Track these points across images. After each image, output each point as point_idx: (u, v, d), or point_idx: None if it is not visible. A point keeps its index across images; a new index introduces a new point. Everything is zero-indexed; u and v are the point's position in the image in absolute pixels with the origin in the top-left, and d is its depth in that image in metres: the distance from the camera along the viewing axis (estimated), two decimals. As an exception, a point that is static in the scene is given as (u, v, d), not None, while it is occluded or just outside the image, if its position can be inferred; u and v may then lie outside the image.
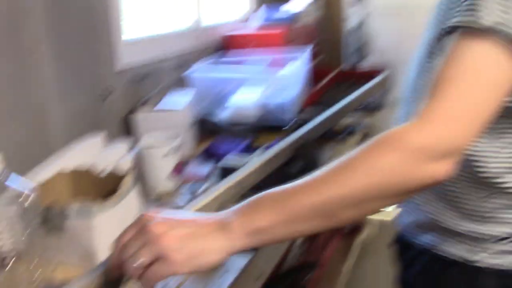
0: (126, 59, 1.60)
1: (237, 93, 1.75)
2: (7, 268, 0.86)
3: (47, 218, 0.95)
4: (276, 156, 1.08)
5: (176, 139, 1.34)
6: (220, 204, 0.89)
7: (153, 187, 1.31)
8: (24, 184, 0.90)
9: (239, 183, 0.95)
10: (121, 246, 0.64)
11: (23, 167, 1.23)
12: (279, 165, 1.13)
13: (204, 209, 0.86)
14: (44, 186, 1.06)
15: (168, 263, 0.60)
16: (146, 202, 1.21)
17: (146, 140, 1.36)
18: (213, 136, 1.74)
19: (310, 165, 1.15)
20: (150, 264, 0.61)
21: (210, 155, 1.50)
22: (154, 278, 0.61)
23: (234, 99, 1.72)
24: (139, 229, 0.63)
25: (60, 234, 0.95)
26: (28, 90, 1.26)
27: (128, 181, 1.01)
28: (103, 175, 1.08)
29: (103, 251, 0.93)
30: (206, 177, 1.36)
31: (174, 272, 0.61)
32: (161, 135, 1.44)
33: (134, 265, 0.61)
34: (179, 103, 1.58)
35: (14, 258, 0.87)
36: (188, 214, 0.68)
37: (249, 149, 1.52)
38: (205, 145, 1.58)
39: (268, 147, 1.47)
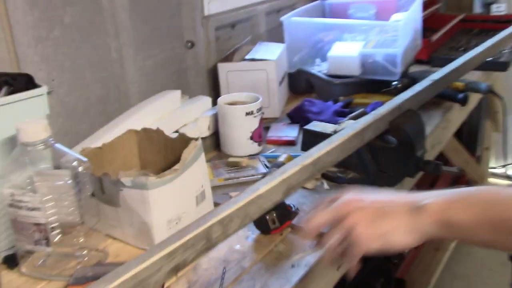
0: (214, 4, 1.45)
1: (338, 43, 1.55)
2: (56, 239, 0.79)
3: (102, 188, 0.86)
4: (370, 125, 0.89)
5: (261, 97, 1.19)
6: (289, 186, 0.74)
7: (231, 150, 1.18)
8: (75, 153, 0.81)
9: (323, 157, 0.78)
10: (313, 221, 0.67)
11: (101, 121, 1.16)
12: (372, 137, 0.94)
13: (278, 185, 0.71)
14: (113, 144, 0.98)
15: (358, 240, 0.62)
16: (222, 167, 1.09)
17: (228, 96, 1.23)
18: (307, 93, 1.56)
19: (409, 140, 0.94)
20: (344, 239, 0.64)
21: (299, 115, 1.33)
22: (350, 255, 0.64)
23: (334, 49, 1.52)
24: (331, 205, 0.66)
25: (116, 206, 0.86)
26: (105, 40, 1.16)
27: (193, 148, 0.88)
28: (172, 137, 0.97)
29: (160, 226, 0.83)
30: (292, 143, 1.21)
31: (364, 248, 0.62)
32: (245, 91, 1.30)
33: (329, 242, 0.65)
34: (271, 53, 1.41)
35: (63, 230, 0.80)
36: (383, 193, 0.68)
37: (343, 112, 1.33)
38: (296, 103, 1.41)
39: (368, 109, 1.27)
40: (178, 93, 1.22)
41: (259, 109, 1.16)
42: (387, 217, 0.63)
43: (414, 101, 1.01)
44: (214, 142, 1.22)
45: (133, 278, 0.54)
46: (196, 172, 0.89)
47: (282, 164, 1.04)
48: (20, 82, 0.82)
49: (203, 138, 1.21)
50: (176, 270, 0.59)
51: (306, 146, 1.11)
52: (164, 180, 0.82)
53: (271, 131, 1.28)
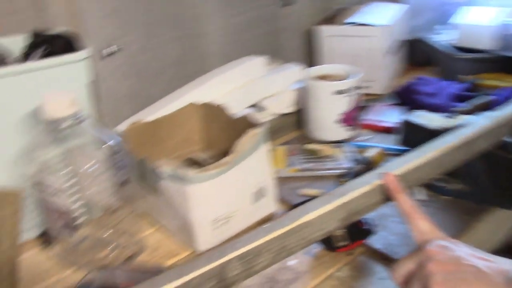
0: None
1: (468, 9, 1.26)
2: (83, 225, 0.69)
3: (143, 173, 0.75)
4: (490, 132, 0.66)
5: (359, 72, 0.98)
6: (350, 212, 0.56)
7: (314, 133, 1.01)
8: (110, 131, 0.70)
9: (409, 174, 0.59)
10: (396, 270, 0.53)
11: (176, 84, 1.04)
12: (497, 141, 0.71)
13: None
14: (173, 117, 0.86)
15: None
16: (298, 154, 0.92)
17: (319, 68, 1.04)
18: (427, 66, 1.31)
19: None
20: None
21: (408, 96, 1.10)
22: None
23: (463, 15, 1.24)
24: (418, 265, 0.50)
25: (156, 195, 0.74)
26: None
27: (251, 138, 0.72)
28: (235, 117, 0.82)
29: (203, 225, 0.70)
30: (392, 130, 0.99)
31: None
32: (346, 61, 1.09)
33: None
34: (382, 17, 1.18)
35: (92, 215, 0.70)
36: (479, 258, 0.48)
37: (464, 97, 1.08)
38: (406, 80, 1.18)
39: (498, 96, 1.02)
40: (263, 59, 1.05)
41: (355, 88, 0.96)
42: (473, 282, 0.45)
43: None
44: (300, 120, 1.04)
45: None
46: (254, 165, 0.74)
47: (368, 162, 0.85)
48: (59, 43, 0.71)
49: (286, 115, 1.04)
50: (171, 316, 0.45)
51: (406, 141, 0.90)
52: (208, 175, 0.68)
53: (370, 112, 1.08)
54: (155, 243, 0.76)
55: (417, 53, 1.32)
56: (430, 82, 1.12)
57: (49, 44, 0.70)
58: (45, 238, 0.75)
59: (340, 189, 0.56)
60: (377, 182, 0.56)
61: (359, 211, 0.56)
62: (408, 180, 0.59)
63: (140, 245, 0.74)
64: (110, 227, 0.73)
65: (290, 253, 0.51)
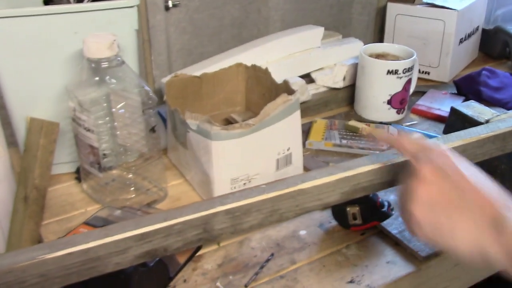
0: None
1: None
2: (109, 165, 0.73)
3: (175, 125, 0.77)
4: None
5: (416, 55, 0.95)
6: (355, 187, 0.55)
7: (361, 111, 0.98)
8: (142, 80, 0.73)
9: (462, 149, 0.57)
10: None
11: (233, 45, 1.06)
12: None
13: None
14: (217, 75, 0.87)
15: (413, 222, 0.47)
16: (338, 130, 0.91)
17: (376, 46, 1.01)
18: (503, 58, 1.23)
19: None
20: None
21: (470, 86, 1.04)
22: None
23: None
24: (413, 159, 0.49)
25: (184, 147, 0.76)
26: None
27: (281, 104, 0.72)
28: (277, 83, 0.82)
29: (222, 182, 0.71)
30: (442, 119, 0.95)
31: (415, 233, 0.48)
32: (414, 42, 1.05)
33: None
34: (461, 1, 1.12)
35: (121, 157, 0.74)
36: (480, 177, 0.49)
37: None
38: (473, 69, 1.11)
39: None
40: (321, 30, 1.03)
41: (408, 69, 0.93)
42: (454, 214, 0.45)
43: None
44: (350, 96, 1.02)
45: (85, 252, 0.44)
46: (281, 132, 0.74)
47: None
48: (113, -11, 0.74)
49: (337, 89, 1.03)
50: (150, 255, 0.47)
51: (449, 129, 0.86)
52: (231, 134, 0.69)
53: (424, 98, 1.03)
54: (177, 194, 0.78)
55: (494, 44, 1.24)
56: (497, 75, 1.05)
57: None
58: (79, 174, 0.80)
59: (348, 163, 0.55)
60: (387, 161, 0.55)
61: (365, 187, 0.55)
62: (385, 176, 0.57)
63: (163, 193, 0.77)
64: (138, 171, 0.76)
65: (281, 217, 0.52)
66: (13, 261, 0.42)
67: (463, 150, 0.58)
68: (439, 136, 0.63)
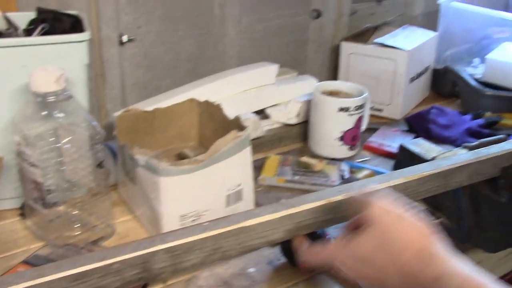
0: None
1: (507, 44, 1.22)
2: (54, 202, 0.71)
3: (124, 160, 0.76)
4: (465, 167, 0.64)
5: (368, 92, 0.97)
6: (298, 225, 0.55)
7: (314, 147, 0.99)
8: (89, 115, 0.72)
9: (404, 187, 0.57)
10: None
11: (188, 80, 1.06)
12: (482, 180, 0.68)
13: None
14: (170, 110, 0.87)
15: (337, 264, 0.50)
16: (290, 165, 0.91)
17: (329, 84, 1.03)
18: (452, 97, 1.27)
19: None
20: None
21: (420, 124, 1.07)
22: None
23: (496, 51, 1.20)
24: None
25: (133, 182, 0.75)
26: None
27: (231, 140, 0.72)
28: (230, 118, 0.82)
29: (171, 219, 0.70)
30: (393, 155, 0.97)
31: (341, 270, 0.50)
32: (366, 80, 1.08)
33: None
34: (410, 41, 1.16)
35: (66, 194, 0.72)
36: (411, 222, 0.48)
37: (480, 133, 1.04)
38: (424, 107, 1.15)
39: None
40: (275, 67, 1.05)
41: (359, 107, 0.95)
42: (370, 269, 0.48)
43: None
44: (304, 132, 1.03)
45: (16, 294, 0.42)
46: (232, 168, 0.74)
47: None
48: (64, 23, 0.73)
49: (291, 125, 1.04)
50: (87, 296, 0.45)
51: (398, 166, 0.88)
52: (180, 170, 0.68)
53: (376, 135, 1.05)
54: (126, 230, 0.76)
55: (444, 83, 1.28)
56: (446, 114, 1.09)
57: (52, 23, 0.72)
58: (23, 210, 0.78)
59: (293, 200, 0.55)
60: (331, 199, 0.55)
61: (309, 225, 0.55)
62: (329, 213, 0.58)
63: (111, 230, 0.75)
64: (85, 207, 0.74)
65: (224, 256, 0.51)
66: None
67: (405, 188, 0.59)
68: (387, 172, 0.64)
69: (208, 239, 0.49)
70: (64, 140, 0.68)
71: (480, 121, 1.08)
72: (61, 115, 0.69)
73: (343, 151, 0.97)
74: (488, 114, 1.13)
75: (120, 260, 0.46)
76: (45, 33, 0.74)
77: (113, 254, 0.46)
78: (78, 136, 0.70)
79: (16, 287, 0.42)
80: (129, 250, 0.46)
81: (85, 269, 0.44)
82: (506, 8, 1.47)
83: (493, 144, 0.95)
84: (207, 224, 0.50)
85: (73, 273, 0.44)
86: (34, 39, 0.72)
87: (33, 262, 0.61)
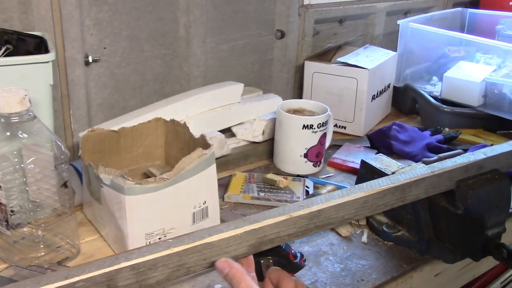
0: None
1: (462, 62, 1.27)
2: (18, 223, 0.71)
3: (89, 179, 0.76)
4: (422, 181, 0.66)
5: (329, 110, 0.99)
6: (262, 240, 0.56)
7: (280, 164, 1.01)
8: (55, 135, 0.72)
9: (327, 210, 0.59)
10: None
11: (154, 99, 1.07)
12: (439, 193, 0.71)
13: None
14: (136, 129, 0.87)
15: None
16: (256, 183, 0.92)
17: (293, 102, 1.05)
18: (413, 114, 1.32)
19: (477, 211, 0.70)
20: None
21: (381, 140, 1.10)
22: None
23: (453, 69, 1.25)
24: None
25: (98, 202, 0.75)
26: (174, 14, 1.06)
27: (196, 158, 0.73)
28: (195, 136, 0.83)
29: (136, 237, 0.71)
30: (356, 171, 0.99)
31: None
32: (330, 99, 1.11)
33: None
34: (370, 61, 1.19)
35: (31, 215, 0.71)
36: None
37: (439, 148, 1.08)
38: (385, 124, 1.18)
39: (470, 151, 1.01)
40: (240, 86, 1.07)
41: (322, 124, 0.97)
42: None
43: (508, 160, 0.75)
44: (269, 150, 1.05)
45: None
46: (197, 185, 0.75)
47: (318, 197, 0.85)
48: (28, 44, 0.74)
49: (257, 143, 1.05)
50: (50, 316, 0.45)
51: (360, 181, 0.90)
52: (145, 188, 0.69)
53: (340, 151, 1.08)
54: (91, 250, 0.76)
55: (404, 100, 1.32)
56: (406, 130, 1.12)
57: (15, 44, 0.73)
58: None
59: (255, 215, 0.56)
60: (293, 213, 0.57)
61: (272, 240, 0.56)
62: (330, 218, 0.60)
63: (76, 250, 0.75)
64: (49, 228, 0.74)
65: (189, 271, 0.52)
66: None
67: (364, 202, 0.61)
68: (346, 187, 0.66)
69: (172, 256, 0.50)
70: (28, 161, 0.68)
71: (439, 136, 1.12)
72: (25, 135, 0.69)
73: (307, 167, 0.99)
74: (446, 129, 1.17)
75: (84, 278, 0.46)
76: (8, 54, 0.74)
77: (77, 272, 0.46)
78: (42, 156, 0.70)
79: (-22, 308, 0.42)
80: (94, 268, 0.47)
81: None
82: (462, 29, 1.53)
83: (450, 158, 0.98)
84: (171, 241, 0.51)
85: (36, 292, 0.44)
86: (-3, 60, 0.72)
87: (-4, 284, 0.60)
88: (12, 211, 0.69)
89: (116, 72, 1.02)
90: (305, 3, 1.24)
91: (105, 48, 0.99)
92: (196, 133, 0.84)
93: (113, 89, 1.03)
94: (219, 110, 1.04)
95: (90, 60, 0.97)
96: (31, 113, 0.68)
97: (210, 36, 1.12)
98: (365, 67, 1.15)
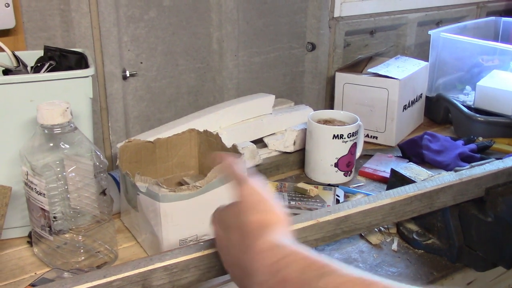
0: (348, 5, 1.29)
1: (496, 72, 1.26)
2: (60, 229, 0.75)
3: (126, 188, 0.80)
4: (478, 181, 0.67)
5: (361, 121, 1.01)
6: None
7: (311, 174, 1.03)
8: (94, 145, 0.76)
9: (390, 207, 0.60)
10: None
11: (189, 112, 1.10)
12: (469, 200, 0.71)
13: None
14: (170, 141, 0.91)
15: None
16: (287, 192, 0.94)
17: (324, 112, 1.07)
18: (446, 123, 1.31)
19: (508, 218, 0.70)
20: None
21: (413, 150, 1.11)
22: None
23: (487, 78, 1.24)
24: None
25: (135, 209, 0.79)
26: (207, 29, 1.09)
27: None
28: (227, 147, 0.86)
29: (171, 243, 0.73)
30: (387, 180, 1.00)
31: None
32: (361, 109, 1.12)
33: None
34: (402, 71, 1.20)
35: (72, 221, 0.75)
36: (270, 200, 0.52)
37: (472, 158, 1.07)
38: (417, 134, 1.18)
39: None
40: (272, 97, 1.09)
41: (353, 134, 0.98)
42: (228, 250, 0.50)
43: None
44: (300, 160, 1.07)
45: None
46: (229, 193, 0.77)
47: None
48: (69, 60, 0.78)
49: (288, 153, 1.07)
50: (90, 312, 0.48)
51: (390, 189, 0.91)
52: (179, 195, 0.72)
53: (371, 161, 1.09)
54: (128, 256, 0.80)
55: (437, 110, 1.32)
56: (438, 139, 1.12)
57: (58, 60, 0.77)
58: (31, 238, 0.81)
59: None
60: (320, 219, 0.58)
61: (306, 242, 0.58)
62: (357, 223, 0.61)
63: (114, 255, 0.78)
64: (89, 234, 0.77)
65: (218, 274, 0.54)
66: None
67: (392, 208, 0.62)
68: (373, 194, 0.68)
69: (203, 258, 0.52)
70: (69, 170, 0.72)
71: (472, 146, 1.12)
72: (67, 146, 0.73)
73: (338, 177, 1.00)
74: (479, 139, 1.16)
75: (121, 278, 0.49)
76: (52, 69, 0.78)
77: (114, 272, 0.49)
78: (82, 166, 0.74)
79: (24, 303, 0.45)
80: (130, 268, 0.50)
81: (87, 286, 0.47)
82: (496, 38, 1.52)
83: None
84: (203, 243, 0.53)
85: (77, 290, 0.47)
86: (42, 75, 0.77)
87: (40, 285, 0.64)
88: (54, 218, 0.73)
89: (152, 86, 1.06)
90: (335, 16, 1.26)
91: (141, 62, 1.03)
92: (228, 144, 0.87)
93: (149, 102, 1.07)
94: (251, 121, 1.06)
95: (128, 75, 1.01)
96: (72, 125, 0.73)
97: (242, 50, 1.15)
98: (396, 77, 1.15)
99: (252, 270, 0.45)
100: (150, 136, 0.95)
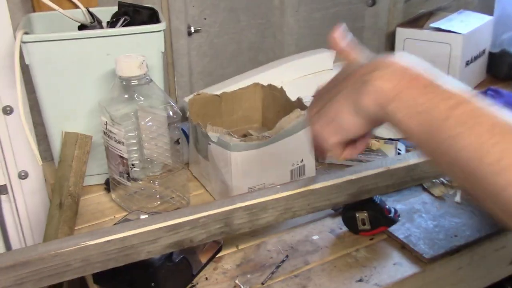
0: (413, -43, 1.26)
1: None
2: (137, 176, 0.80)
3: (197, 138, 0.83)
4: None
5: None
6: (361, 189, 0.60)
7: (371, 129, 1.04)
8: (168, 97, 0.79)
9: (422, 165, 0.62)
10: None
11: (250, 67, 1.13)
12: None
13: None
14: (235, 94, 0.94)
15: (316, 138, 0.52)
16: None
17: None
18: (509, 80, 1.28)
19: None
20: None
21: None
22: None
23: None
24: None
25: (205, 159, 0.83)
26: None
27: (295, 118, 0.78)
28: (291, 101, 0.88)
29: (240, 191, 0.77)
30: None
31: (324, 140, 0.51)
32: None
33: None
34: (465, 25, 1.18)
35: (148, 169, 0.80)
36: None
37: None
38: (482, 89, 1.16)
39: None
40: (332, 53, 1.10)
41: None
42: (333, 99, 0.50)
43: None
44: (360, 115, 1.08)
45: (121, 240, 0.50)
46: (295, 144, 0.80)
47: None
48: (142, 15, 0.81)
49: (348, 108, 1.08)
50: (178, 245, 0.53)
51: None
52: (249, 145, 0.75)
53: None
54: (199, 202, 0.84)
55: (500, 66, 1.29)
56: (502, 95, 1.11)
57: (132, 15, 0.81)
58: (108, 185, 0.87)
59: (354, 167, 0.60)
60: (391, 166, 0.60)
61: (370, 190, 0.61)
62: (425, 172, 0.62)
63: (186, 202, 0.83)
64: (163, 181, 0.82)
65: (294, 215, 0.57)
66: (59, 246, 0.48)
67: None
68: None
69: (280, 200, 0.55)
70: (145, 120, 0.76)
71: (537, 101, 1.09)
72: (142, 97, 0.77)
73: (399, 131, 1.01)
74: (546, 95, 1.14)
75: (206, 215, 0.53)
76: (126, 24, 0.82)
77: (201, 210, 0.53)
78: (156, 117, 0.77)
79: (122, 234, 0.50)
80: (214, 207, 0.53)
81: (177, 222, 0.51)
82: None
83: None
84: (279, 187, 0.57)
85: (167, 224, 0.51)
86: (118, 30, 0.80)
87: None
88: (132, 165, 0.78)
89: (215, 42, 1.08)
90: (397, -31, 1.24)
91: (205, 19, 1.05)
92: (292, 98, 0.89)
93: (212, 57, 1.09)
94: (312, 76, 1.08)
95: (192, 31, 1.04)
96: (148, 77, 0.76)
97: (303, 5, 1.15)
98: (459, 31, 1.13)
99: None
100: (216, 90, 0.98)
